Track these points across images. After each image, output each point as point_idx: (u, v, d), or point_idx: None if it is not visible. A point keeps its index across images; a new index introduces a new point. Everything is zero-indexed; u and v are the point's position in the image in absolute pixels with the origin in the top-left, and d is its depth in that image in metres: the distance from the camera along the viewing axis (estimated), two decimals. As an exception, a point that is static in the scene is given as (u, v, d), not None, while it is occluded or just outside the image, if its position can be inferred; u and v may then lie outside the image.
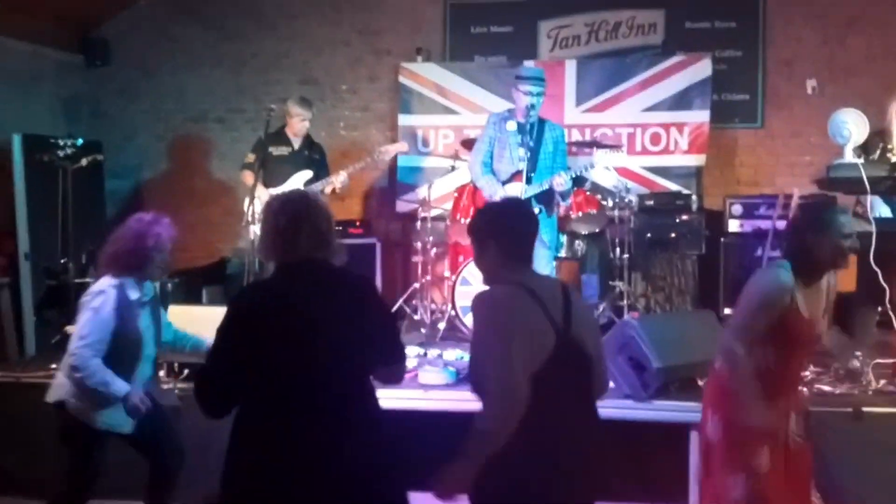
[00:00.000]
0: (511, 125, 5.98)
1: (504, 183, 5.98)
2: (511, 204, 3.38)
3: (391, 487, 2.90)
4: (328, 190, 6.68)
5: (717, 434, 3.49)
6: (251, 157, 6.78)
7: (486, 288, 2.95)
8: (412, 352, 5.51)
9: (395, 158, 8.24)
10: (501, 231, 2.98)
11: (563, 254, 6.79)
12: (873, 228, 4.77)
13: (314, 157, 6.94)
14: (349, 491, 2.76)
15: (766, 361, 3.39)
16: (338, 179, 6.70)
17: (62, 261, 6.72)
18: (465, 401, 4.85)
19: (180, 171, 8.64)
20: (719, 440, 3.49)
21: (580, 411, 2.91)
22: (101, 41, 8.62)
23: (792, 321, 3.37)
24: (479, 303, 2.86)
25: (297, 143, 6.89)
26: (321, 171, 6.86)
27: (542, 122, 5.99)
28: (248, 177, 6.72)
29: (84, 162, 6.90)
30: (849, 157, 5.36)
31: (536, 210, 5.84)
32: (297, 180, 6.70)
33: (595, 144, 6.33)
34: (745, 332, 3.40)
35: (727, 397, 3.45)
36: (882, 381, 4.93)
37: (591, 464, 2.91)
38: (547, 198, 5.91)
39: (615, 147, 6.57)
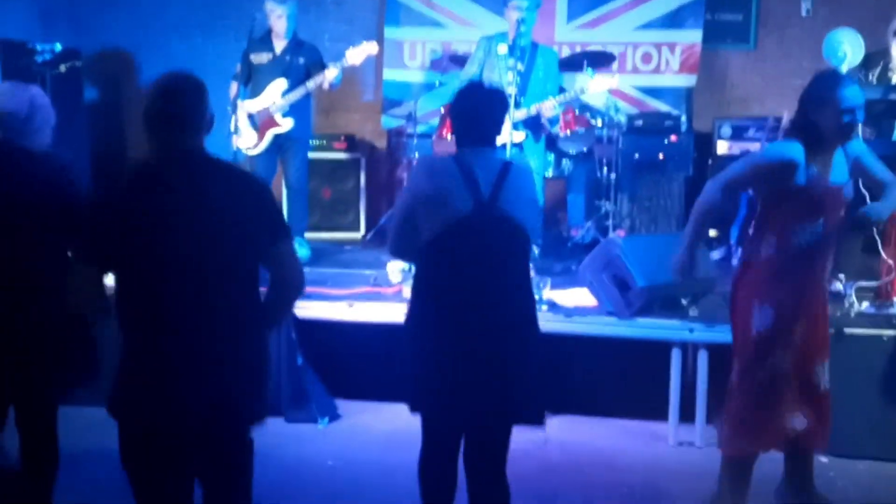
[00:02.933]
0: (502, 48, 5.84)
1: None
2: (474, 89, 3.38)
3: (232, 419, 2.78)
4: (325, 86, 6.31)
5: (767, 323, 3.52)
6: (238, 67, 6.53)
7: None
8: (396, 266, 5.48)
9: (380, 73, 8.13)
10: (459, 113, 3.27)
11: (549, 173, 6.74)
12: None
13: (297, 61, 6.43)
14: (191, 414, 2.69)
15: (803, 236, 3.44)
16: (330, 75, 6.22)
17: (41, 169, 6.60)
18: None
19: (161, 80, 8.45)
20: (768, 329, 3.52)
21: (496, 280, 3.11)
22: (78, -56, 8.33)
23: (816, 191, 3.40)
24: (413, 166, 3.23)
25: (279, 48, 6.46)
26: (311, 73, 6.36)
27: (535, 46, 5.87)
28: (234, 88, 6.51)
29: (63, 68, 6.72)
30: (842, 78, 5.30)
31: (523, 134, 5.77)
32: (273, 90, 6.34)
33: (585, 56, 6.14)
34: (731, 176, 3.50)
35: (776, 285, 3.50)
36: (864, 304, 4.95)
37: (501, 344, 3.12)
38: (534, 123, 5.82)
39: (607, 70, 6.35)
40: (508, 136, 5.58)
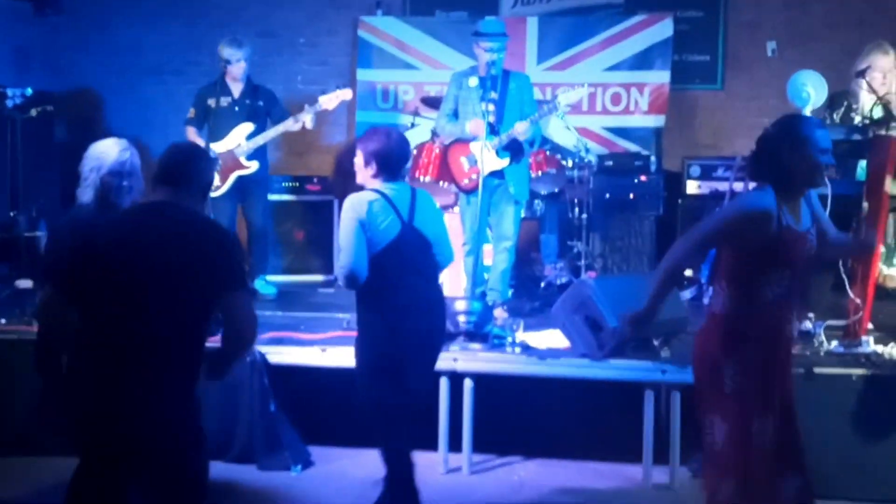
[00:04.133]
0: (473, 81, 5.91)
1: (472, 141, 5.92)
2: (391, 133, 4.13)
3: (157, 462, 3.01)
4: (296, 128, 6.44)
5: (737, 380, 3.36)
6: (192, 112, 6.58)
7: (355, 198, 3.95)
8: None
9: (353, 114, 8.17)
10: (378, 153, 3.99)
11: (522, 213, 6.77)
12: (829, 191, 4.78)
13: (257, 104, 6.57)
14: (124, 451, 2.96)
15: (773, 288, 3.33)
16: (307, 121, 6.40)
17: (11, 214, 6.57)
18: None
19: (135, 123, 8.46)
20: (739, 386, 3.36)
21: (424, 280, 4.08)
22: (51, -12, 8.36)
23: (789, 240, 3.30)
24: (346, 203, 3.94)
25: (237, 91, 6.55)
26: (271, 117, 6.55)
27: (506, 73, 5.93)
28: (191, 132, 6.52)
29: (34, 112, 6.73)
30: (807, 120, 5.38)
31: (505, 161, 5.82)
32: (238, 134, 6.45)
33: (552, 100, 6.19)
34: (703, 234, 3.41)
35: (741, 338, 3.37)
36: (833, 343, 4.99)
37: (435, 323, 4.13)
38: (514, 147, 5.86)
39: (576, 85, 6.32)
40: (482, 163, 5.64)
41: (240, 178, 6.47)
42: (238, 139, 6.44)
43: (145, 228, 3.00)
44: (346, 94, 6.56)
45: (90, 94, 8.49)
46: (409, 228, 3.98)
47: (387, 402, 3.93)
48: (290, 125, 6.41)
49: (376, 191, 3.97)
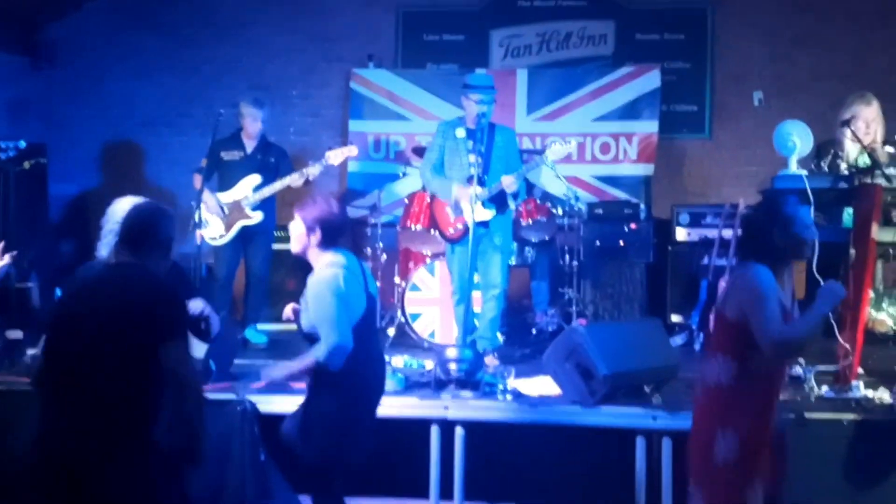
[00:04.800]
0: (460, 132, 5.97)
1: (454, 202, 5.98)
2: (330, 199, 4.04)
3: None
4: (300, 183, 6.57)
5: (733, 451, 3.30)
6: (204, 162, 6.71)
7: (327, 270, 3.83)
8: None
9: (345, 164, 8.24)
10: (326, 221, 3.90)
11: (512, 261, 6.81)
12: (816, 237, 4.82)
13: (268, 160, 6.75)
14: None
15: (763, 363, 3.30)
16: (313, 172, 6.54)
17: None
18: (414, 407, 4.85)
19: (128, 175, 8.52)
20: (734, 457, 3.30)
21: (379, 342, 4.41)
22: (48, 43, 8.48)
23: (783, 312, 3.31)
24: (318, 281, 3.81)
25: (250, 147, 6.75)
26: (279, 173, 6.68)
27: (492, 126, 5.99)
28: (197, 180, 6.65)
29: (27, 165, 6.81)
30: (793, 168, 5.45)
31: (491, 212, 5.86)
32: (245, 185, 6.63)
33: (541, 152, 6.27)
34: (773, 321, 3.22)
35: (739, 411, 3.31)
36: (824, 388, 4.99)
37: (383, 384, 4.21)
38: (499, 199, 5.91)
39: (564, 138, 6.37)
40: (470, 214, 5.66)
41: (244, 227, 6.63)
42: (245, 191, 6.62)
43: (99, 287, 3.12)
44: (352, 150, 6.75)
45: (82, 145, 8.55)
46: (370, 297, 3.98)
47: (346, 460, 3.96)
48: (295, 179, 6.57)
49: (339, 265, 3.86)
